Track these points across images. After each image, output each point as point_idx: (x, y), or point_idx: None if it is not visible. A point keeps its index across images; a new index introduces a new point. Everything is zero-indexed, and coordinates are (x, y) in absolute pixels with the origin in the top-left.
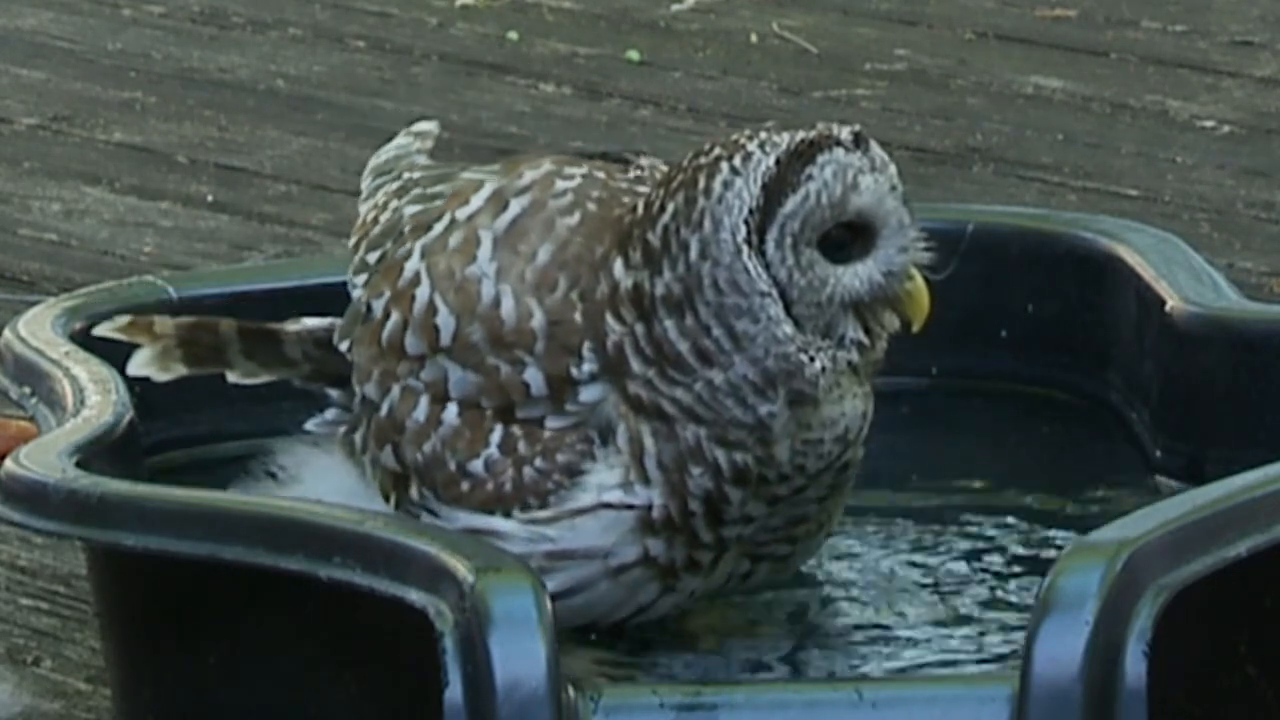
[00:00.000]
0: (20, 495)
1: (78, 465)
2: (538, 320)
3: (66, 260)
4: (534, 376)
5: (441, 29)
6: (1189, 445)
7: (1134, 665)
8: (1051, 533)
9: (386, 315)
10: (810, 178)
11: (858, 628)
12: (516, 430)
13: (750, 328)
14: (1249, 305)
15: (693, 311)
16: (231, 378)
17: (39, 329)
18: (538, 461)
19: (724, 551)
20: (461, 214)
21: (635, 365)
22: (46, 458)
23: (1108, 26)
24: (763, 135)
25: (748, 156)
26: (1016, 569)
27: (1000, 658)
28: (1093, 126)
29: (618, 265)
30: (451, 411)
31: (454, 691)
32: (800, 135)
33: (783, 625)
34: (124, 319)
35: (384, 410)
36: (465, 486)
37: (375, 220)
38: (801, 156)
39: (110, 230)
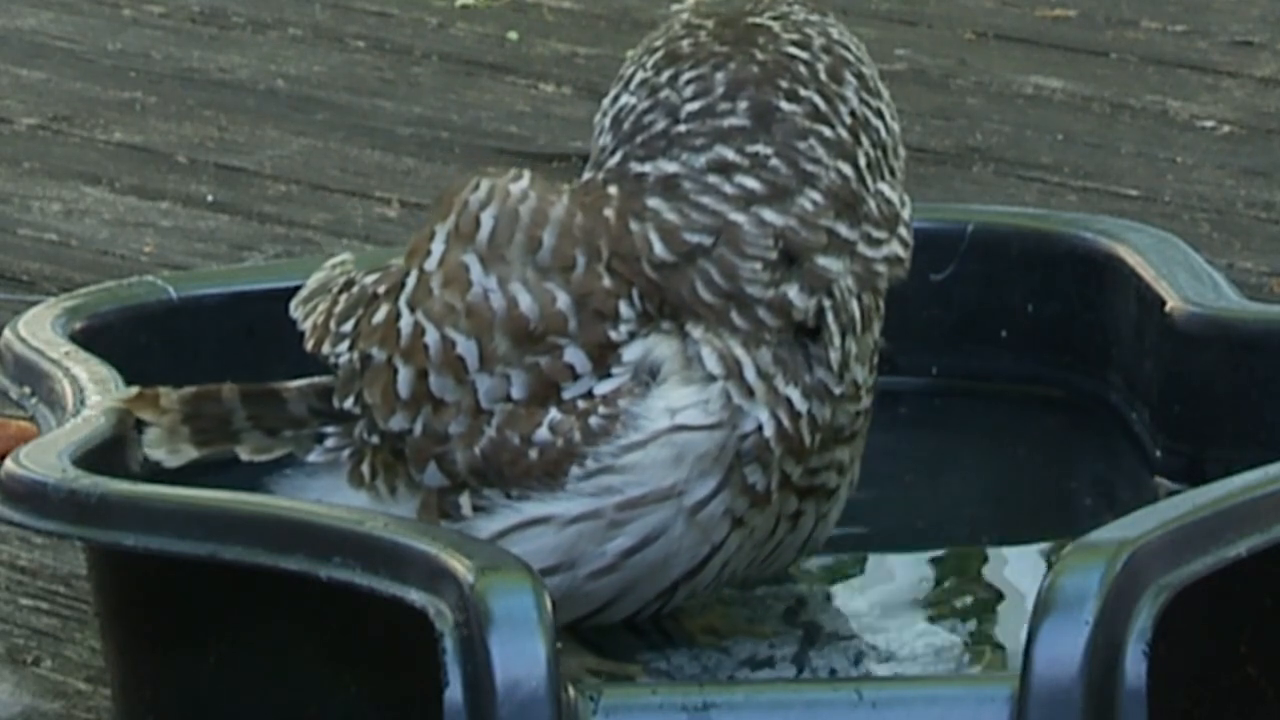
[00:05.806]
0: (20, 495)
1: (77, 465)
2: (563, 301)
3: (66, 260)
4: (575, 355)
5: (441, 29)
6: (1189, 445)
7: (1134, 665)
8: (1051, 533)
9: (395, 370)
10: None
11: (858, 627)
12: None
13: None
14: (1249, 305)
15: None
16: (243, 455)
17: (39, 329)
18: (601, 409)
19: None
20: (430, 263)
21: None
22: (46, 458)
23: (1108, 26)
24: None
25: None
26: (1016, 569)
27: (1000, 658)
28: (1093, 126)
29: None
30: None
31: (454, 691)
32: None
33: (782, 624)
34: (131, 390)
35: (418, 430)
36: (534, 455)
37: (331, 313)
38: None
39: (110, 230)
